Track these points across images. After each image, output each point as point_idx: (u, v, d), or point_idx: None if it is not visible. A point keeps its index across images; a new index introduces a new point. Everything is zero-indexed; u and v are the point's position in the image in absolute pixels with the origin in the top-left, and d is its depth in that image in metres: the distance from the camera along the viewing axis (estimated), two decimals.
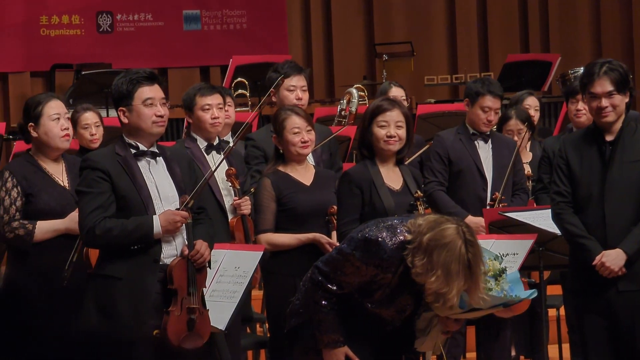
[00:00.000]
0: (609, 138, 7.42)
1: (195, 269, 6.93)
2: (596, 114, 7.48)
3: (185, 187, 7.02)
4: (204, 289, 7.13)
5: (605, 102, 7.33)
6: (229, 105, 9.14)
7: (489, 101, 9.87)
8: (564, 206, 7.52)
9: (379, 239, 6.23)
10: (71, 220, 7.55)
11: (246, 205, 8.71)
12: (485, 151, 9.85)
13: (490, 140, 9.95)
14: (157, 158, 7.05)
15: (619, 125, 7.41)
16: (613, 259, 7.24)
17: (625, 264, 7.27)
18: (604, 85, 7.34)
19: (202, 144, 8.50)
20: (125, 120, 6.95)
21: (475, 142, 9.83)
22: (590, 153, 7.50)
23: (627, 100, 7.42)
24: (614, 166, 7.40)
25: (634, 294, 7.34)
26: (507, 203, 9.59)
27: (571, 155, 7.58)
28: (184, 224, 6.96)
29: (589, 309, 7.53)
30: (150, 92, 6.94)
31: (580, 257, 7.43)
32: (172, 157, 7.16)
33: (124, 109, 6.94)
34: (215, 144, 8.62)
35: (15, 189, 7.54)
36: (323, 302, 6.43)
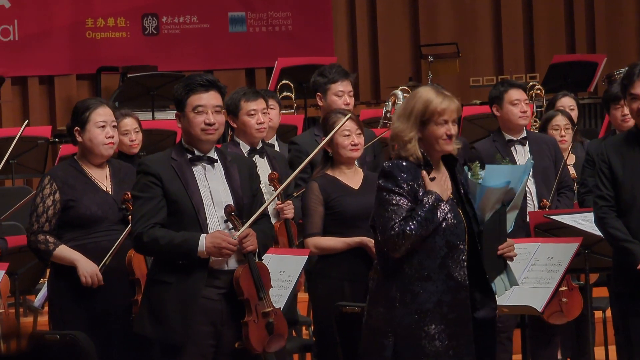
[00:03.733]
0: None
1: (259, 273, 6.95)
2: (637, 116, 7.51)
3: (243, 193, 7.05)
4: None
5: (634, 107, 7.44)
6: (272, 109, 9.23)
7: (515, 93, 9.89)
8: (607, 210, 7.50)
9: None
10: (84, 263, 7.55)
11: (289, 210, 8.77)
12: (523, 156, 9.83)
13: (527, 143, 9.96)
14: (215, 164, 7.09)
15: None
16: None
17: None
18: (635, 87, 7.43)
19: (244, 148, 8.58)
20: (180, 126, 7.06)
21: (512, 147, 9.86)
22: (632, 156, 7.49)
23: None
24: None
25: None
26: (553, 205, 9.54)
27: (613, 159, 7.56)
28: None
29: (634, 312, 7.50)
30: (203, 99, 6.97)
31: (624, 261, 7.42)
32: (233, 163, 7.18)
33: (179, 114, 7.04)
34: (258, 147, 8.70)
35: (51, 197, 7.59)
36: (401, 229, 6.42)
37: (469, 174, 6.70)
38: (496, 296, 6.76)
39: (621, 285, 7.67)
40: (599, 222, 7.58)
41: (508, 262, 6.75)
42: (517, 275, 7.34)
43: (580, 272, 8.80)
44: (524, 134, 9.87)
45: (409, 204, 6.47)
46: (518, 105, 9.73)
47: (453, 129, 6.47)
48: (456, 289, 6.40)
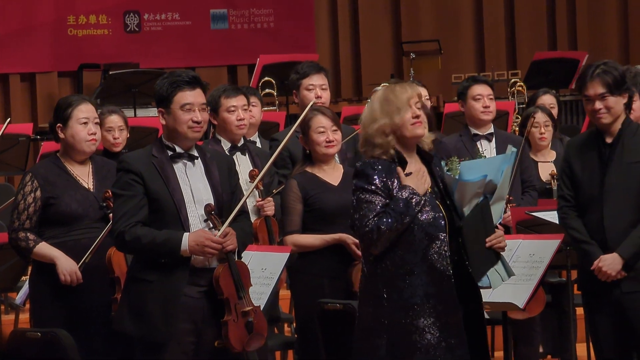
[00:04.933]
0: (609, 140, 7.48)
1: (239, 273, 6.97)
2: (591, 117, 7.59)
3: (223, 190, 7.07)
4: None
5: (598, 104, 7.41)
6: (253, 106, 9.26)
7: (477, 89, 9.94)
8: (567, 210, 7.61)
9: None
10: (64, 261, 7.53)
11: (269, 207, 8.76)
12: (489, 151, 9.89)
13: (494, 140, 9.99)
14: (195, 161, 7.11)
15: (618, 126, 7.45)
16: (609, 263, 7.31)
17: (625, 267, 7.33)
18: (595, 87, 7.39)
19: (226, 145, 8.56)
20: (163, 122, 7.02)
21: (478, 142, 9.87)
22: (590, 156, 7.57)
23: (624, 101, 7.44)
24: (613, 168, 7.44)
25: (638, 295, 7.46)
26: (516, 203, 9.55)
27: (573, 159, 7.65)
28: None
29: (598, 309, 7.60)
30: (189, 97, 6.99)
31: (583, 261, 7.56)
32: (212, 160, 7.21)
33: (162, 110, 7.00)
34: (240, 145, 8.69)
35: (32, 194, 7.59)
36: (376, 225, 6.41)
37: (446, 168, 6.69)
38: (492, 288, 6.80)
39: (585, 283, 7.76)
40: (560, 222, 7.71)
41: (502, 258, 6.75)
42: (502, 274, 7.20)
43: (562, 268, 8.88)
44: (491, 130, 9.92)
45: (383, 199, 6.49)
46: (480, 100, 9.78)
47: (418, 111, 6.49)
48: (440, 281, 6.39)
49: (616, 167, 7.40)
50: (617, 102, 7.34)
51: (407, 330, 6.37)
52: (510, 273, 6.70)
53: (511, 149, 6.96)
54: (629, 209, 7.40)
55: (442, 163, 6.74)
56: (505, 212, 8.38)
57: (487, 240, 6.53)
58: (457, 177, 6.63)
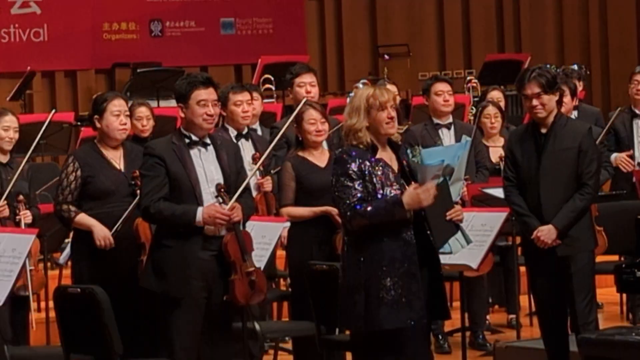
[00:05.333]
0: (544, 130, 7.56)
1: (244, 240, 7.06)
2: (529, 112, 7.68)
3: (230, 172, 7.13)
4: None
5: (535, 102, 7.44)
6: (255, 100, 9.26)
7: (439, 86, 9.99)
8: (511, 189, 7.72)
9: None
10: (99, 229, 7.64)
11: (268, 184, 8.82)
12: (448, 137, 9.96)
13: (452, 128, 10.03)
14: (208, 147, 7.14)
15: (551, 119, 7.52)
16: (546, 233, 7.41)
17: (559, 236, 7.43)
18: (532, 88, 7.44)
19: (232, 133, 8.59)
20: (182, 115, 7.10)
21: (439, 130, 9.94)
22: (529, 144, 7.67)
23: (556, 98, 7.51)
24: (546, 154, 7.53)
25: (567, 257, 7.55)
26: (471, 180, 9.61)
27: (515, 146, 7.77)
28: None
29: (537, 271, 7.75)
30: (204, 94, 7.05)
31: (524, 231, 7.70)
32: (222, 146, 7.25)
33: (182, 105, 7.08)
34: (244, 133, 8.74)
35: (74, 173, 7.67)
36: (360, 209, 6.43)
37: (410, 155, 6.66)
38: (453, 253, 6.78)
39: (526, 249, 7.91)
40: (505, 198, 7.80)
41: (462, 228, 6.78)
42: (461, 240, 7.31)
43: (508, 234, 8.97)
44: (450, 120, 9.98)
45: (360, 183, 6.52)
46: (441, 95, 9.86)
47: (392, 113, 6.52)
48: (405, 247, 6.40)
49: (549, 153, 7.49)
50: (550, 100, 7.43)
51: (377, 287, 6.42)
52: (468, 240, 6.73)
53: (465, 139, 7.07)
54: (561, 188, 7.50)
55: (408, 151, 6.72)
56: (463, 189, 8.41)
57: (447, 214, 6.53)
58: (419, 162, 6.61)
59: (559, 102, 7.63)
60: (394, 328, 6.45)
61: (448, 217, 6.51)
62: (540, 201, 7.52)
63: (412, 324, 6.46)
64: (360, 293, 6.46)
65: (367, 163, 6.50)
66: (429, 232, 6.50)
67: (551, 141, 7.51)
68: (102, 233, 7.52)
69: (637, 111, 10.68)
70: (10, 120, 8.74)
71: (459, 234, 6.65)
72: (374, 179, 6.52)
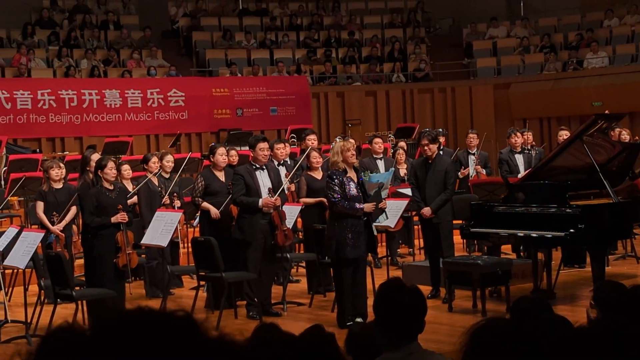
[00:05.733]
0: (430, 161, 8.98)
1: (281, 214, 8.26)
2: (422, 152, 9.09)
3: (274, 182, 8.30)
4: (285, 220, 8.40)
5: (426, 148, 8.90)
6: (286, 147, 9.94)
7: (376, 139, 10.98)
8: (414, 189, 9.18)
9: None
10: (213, 210, 8.70)
11: (293, 187, 9.70)
12: (381, 165, 10.81)
13: (382, 160, 10.81)
14: (264, 170, 8.32)
15: (434, 156, 8.96)
16: (427, 210, 8.87)
17: (433, 213, 8.85)
18: (424, 140, 8.93)
19: (275, 162, 9.30)
20: (252, 155, 8.35)
21: (377, 161, 10.87)
22: (422, 167, 9.07)
23: (437, 145, 9.03)
24: (430, 173, 8.97)
25: (438, 223, 8.92)
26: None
27: (416, 168, 9.19)
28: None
29: (424, 228, 9.25)
30: (262, 145, 8.28)
31: (418, 209, 9.00)
32: (270, 169, 8.38)
33: (252, 150, 8.34)
34: (281, 163, 9.61)
35: (200, 183, 9.00)
36: (336, 201, 7.53)
37: (363, 176, 7.92)
38: (380, 222, 7.96)
39: (419, 217, 9.08)
40: (412, 193, 9.19)
41: (385, 210, 7.88)
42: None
43: (410, 210, 9.99)
44: (381, 156, 11.09)
45: (338, 189, 7.61)
46: (377, 144, 11.08)
47: (353, 152, 7.66)
48: (357, 220, 7.63)
49: (431, 172, 8.93)
50: (433, 146, 8.94)
51: (343, 237, 7.64)
52: (387, 217, 8.03)
53: (391, 170, 8.67)
54: (435, 189, 8.90)
55: (362, 174, 7.97)
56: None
57: (379, 205, 7.73)
58: (368, 180, 7.85)
59: (438, 148, 9.13)
60: (352, 257, 7.71)
61: (380, 206, 7.74)
62: (425, 195, 8.97)
63: (361, 255, 7.75)
64: (333, 239, 7.71)
65: (343, 179, 7.64)
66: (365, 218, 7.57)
67: (432, 166, 8.94)
68: (215, 212, 8.86)
69: (469, 151, 12.00)
70: (170, 158, 10.16)
71: (383, 215, 7.92)
72: (345, 187, 7.66)
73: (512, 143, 11.15)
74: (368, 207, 7.49)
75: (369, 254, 8.37)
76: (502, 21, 22.63)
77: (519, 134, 11.14)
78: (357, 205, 7.45)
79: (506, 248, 10.21)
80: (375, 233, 7.78)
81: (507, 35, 22.07)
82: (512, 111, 19.70)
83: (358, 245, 7.58)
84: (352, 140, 7.82)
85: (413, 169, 9.21)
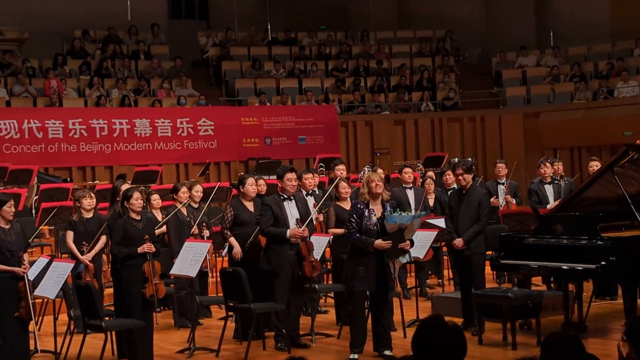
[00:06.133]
0: (464, 192, 8.91)
1: (309, 245, 8.26)
2: (457, 182, 9.02)
3: (302, 212, 8.32)
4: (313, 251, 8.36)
5: (460, 177, 8.80)
6: (314, 176, 9.93)
7: (405, 169, 10.82)
8: (447, 219, 9.07)
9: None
10: (237, 248, 8.72)
11: (321, 217, 9.77)
12: (411, 195, 10.77)
13: (412, 189, 10.72)
14: (292, 200, 8.36)
15: (468, 186, 8.86)
16: (459, 242, 8.78)
17: (466, 243, 8.76)
18: (458, 170, 8.80)
19: (304, 192, 9.40)
20: (280, 185, 8.39)
21: (406, 191, 10.76)
22: (457, 197, 8.99)
23: (471, 175, 8.88)
24: (464, 203, 8.87)
25: (470, 255, 8.83)
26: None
27: (451, 198, 9.15)
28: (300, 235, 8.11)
29: (455, 259, 9.28)
30: (290, 176, 8.37)
31: (450, 240, 8.91)
32: (298, 199, 8.42)
33: (280, 180, 8.38)
34: (309, 193, 9.65)
35: (230, 213, 8.96)
36: (351, 233, 7.53)
37: (387, 213, 7.65)
38: (402, 262, 7.73)
39: (449, 248, 8.97)
40: (446, 224, 9.05)
41: (409, 252, 7.65)
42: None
43: (439, 241, 9.76)
44: (411, 185, 10.94)
45: (357, 220, 7.59)
46: (407, 174, 10.89)
47: (378, 182, 7.58)
48: (370, 253, 7.55)
49: (465, 203, 8.83)
50: (468, 176, 8.80)
51: (355, 269, 7.66)
52: (410, 259, 7.75)
53: (420, 214, 7.94)
54: (469, 220, 8.79)
55: (387, 210, 7.64)
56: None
57: (399, 245, 7.54)
58: (387, 219, 7.60)
59: (473, 178, 8.93)
60: (359, 290, 7.71)
61: (400, 247, 7.57)
62: (458, 226, 8.87)
63: (370, 289, 7.65)
64: (347, 271, 7.78)
65: (364, 210, 7.62)
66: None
67: (466, 197, 8.85)
68: (237, 250, 8.84)
69: (498, 180, 11.93)
70: (199, 188, 10.11)
71: (406, 256, 7.71)
72: (364, 219, 7.60)
73: (541, 173, 11.13)
74: (379, 243, 7.39)
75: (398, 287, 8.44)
76: (532, 50, 22.65)
77: (548, 164, 11.13)
78: (371, 239, 7.41)
79: (537, 279, 10.14)
80: (392, 271, 7.66)
81: (537, 64, 22.07)
82: (542, 140, 19.66)
83: (367, 279, 7.54)
84: (380, 171, 8.35)
85: (450, 199, 9.14)
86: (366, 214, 7.49)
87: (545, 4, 23.45)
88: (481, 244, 8.82)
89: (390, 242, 7.37)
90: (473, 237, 8.65)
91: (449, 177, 10.88)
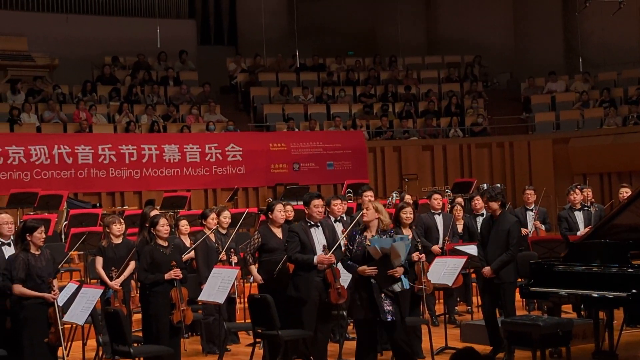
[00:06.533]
0: (495, 218, 8.81)
1: (335, 272, 8.16)
2: (486, 209, 8.94)
3: (329, 238, 8.28)
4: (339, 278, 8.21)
5: (485, 205, 8.89)
6: (343, 203, 9.60)
7: (435, 195, 10.62)
8: (479, 246, 8.98)
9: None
10: (258, 277, 8.80)
11: (330, 259, 8.60)
12: (440, 221, 10.65)
13: (441, 215, 10.59)
14: (318, 227, 8.34)
15: (497, 213, 8.80)
16: (488, 270, 8.71)
17: (494, 272, 8.68)
18: (483, 198, 8.83)
19: (332, 219, 9.23)
20: (307, 212, 8.34)
21: (434, 216, 10.67)
22: (488, 225, 8.90)
23: (499, 203, 8.72)
24: (493, 231, 8.77)
25: (499, 284, 8.74)
26: (449, 241, 10.26)
27: (483, 225, 9.02)
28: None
29: (484, 287, 9.03)
30: (317, 202, 8.14)
31: (480, 267, 8.86)
32: (325, 226, 8.40)
33: (306, 207, 8.32)
34: (338, 219, 9.35)
35: (258, 239, 8.97)
36: (343, 259, 7.47)
37: (369, 239, 7.42)
38: (396, 291, 7.31)
39: (478, 275, 8.87)
40: (477, 251, 8.98)
41: (402, 278, 7.32)
42: (442, 272, 8.85)
43: (468, 267, 9.81)
44: (439, 211, 10.69)
45: (351, 247, 7.41)
46: (436, 200, 10.73)
47: (366, 210, 7.42)
48: (363, 280, 7.38)
49: (495, 231, 8.72)
50: (494, 204, 8.72)
51: (354, 297, 7.49)
52: (406, 285, 7.36)
53: (404, 238, 7.44)
54: (498, 248, 8.70)
55: (375, 237, 7.40)
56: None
57: (388, 272, 7.26)
58: (370, 243, 7.31)
59: (501, 206, 8.74)
60: (358, 318, 7.54)
61: (389, 274, 7.28)
62: (487, 253, 8.80)
63: (368, 317, 7.38)
64: (350, 301, 7.70)
65: (357, 236, 7.43)
66: (373, 280, 7.28)
67: (495, 224, 8.75)
68: (257, 279, 8.94)
69: (527, 207, 11.87)
70: (227, 214, 10.12)
71: (400, 282, 7.33)
72: (354, 246, 7.48)
73: (571, 200, 11.09)
74: (362, 269, 7.22)
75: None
76: (561, 75, 22.60)
77: (578, 190, 11.10)
78: (356, 265, 7.31)
79: (567, 307, 10.07)
80: (383, 299, 7.32)
81: (566, 90, 22.01)
82: (571, 166, 19.59)
83: (363, 306, 7.39)
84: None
85: (482, 228, 9.08)
86: (357, 239, 7.41)
87: (574, 29, 23.41)
88: (511, 273, 8.77)
89: (375, 268, 7.18)
90: (501, 267, 8.59)
91: (478, 202, 10.92)
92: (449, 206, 12.30)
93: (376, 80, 22.79)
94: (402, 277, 7.29)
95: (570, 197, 11.07)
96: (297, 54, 22.72)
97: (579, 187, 11.36)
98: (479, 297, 10.97)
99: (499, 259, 8.50)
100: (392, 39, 24.37)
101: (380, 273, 7.28)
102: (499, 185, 14.81)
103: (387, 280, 7.29)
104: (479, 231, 9.19)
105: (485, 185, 13.37)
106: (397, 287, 7.28)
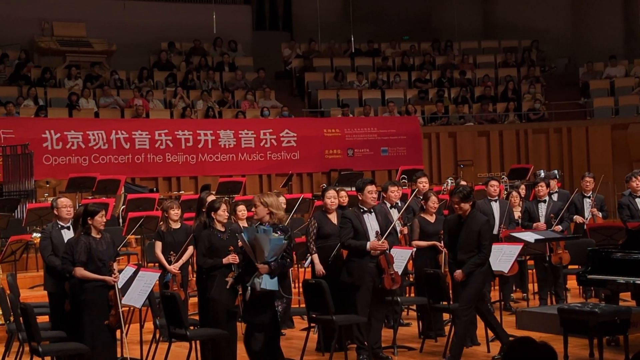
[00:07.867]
0: (463, 218, 8.17)
1: (389, 258, 8.13)
2: (455, 209, 8.21)
3: (382, 224, 8.20)
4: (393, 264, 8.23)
5: (456, 206, 8.10)
6: (397, 189, 9.91)
7: (492, 182, 10.61)
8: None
9: None
10: (319, 266, 8.68)
11: (405, 230, 9.69)
12: (496, 207, 10.65)
13: (497, 201, 10.60)
14: (371, 213, 8.29)
15: (466, 213, 8.13)
16: (459, 274, 8.09)
17: (466, 276, 8.06)
18: (454, 199, 8.11)
19: (387, 204, 9.57)
20: (360, 198, 8.23)
21: (491, 203, 10.66)
22: (456, 225, 8.25)
23: (470, 203, 8.08)
24: (463, 231, 8.16)
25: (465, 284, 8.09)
26: (505, 227, 10.24)
27: (450, 225, 8.34)
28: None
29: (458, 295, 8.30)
30: (370, 188, 8.26)
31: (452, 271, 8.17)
32: (378, 211, 8.35)
33: (360, 193, 8.23)
34: (393, 205, 9.69)
35: (314, 225, 8.92)
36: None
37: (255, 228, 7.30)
38: (257, 287, 7.09)
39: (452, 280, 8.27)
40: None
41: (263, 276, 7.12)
42: (498, 259, 8.47)
43: (522, 255, 9.69)
44: (497, 198, 10.76)
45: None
46: (493, 186, 10.75)
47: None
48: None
49: (464, 232, 8.13)
50: (465, 204, 8.08)
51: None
52: (270, 287, 7.07)
53: (274, 235, 7.20)
54: (469, 250, 8.08)
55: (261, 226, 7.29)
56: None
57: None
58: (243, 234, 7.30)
59: (472, 205, 8.06)
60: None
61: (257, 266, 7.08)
62: (456, 255, 8.08)
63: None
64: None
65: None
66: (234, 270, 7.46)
67: (465, 226, 7.98)
68: (318, 268, 8.77)
69: (585, 194, 11.68)
70: (282, 199, 9.81)
71: (262, 281, 7.07)
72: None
73: (632, 187, 11.00)
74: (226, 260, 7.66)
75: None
76: (620, 60, 22.28)
77: (639, 177, 10.99)
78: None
79: (625, 295, 9.82)
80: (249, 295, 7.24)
81: (626, 75, 21.72)
82: (630, 152, 19.38)
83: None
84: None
85: (449, 226, 8.48)
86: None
87: (634, 12, 23.09)
88: (480, 277, 8.21)
89: (235, 256, 7.49)
90: (474, 269, 8.04)
91: (542, 188, 10.88)
92: (505, 193, 12.29)
93: (431, 65, 22.71)
94: (266, 276, 7.10)
95: (632, 184, 10.97)
96: (352, 39, 22.74)
97: (639, 173, 11.23)
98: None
99: (472, 262, 7.99)
100: (448, 23, 24.24)
101: (244, 265, 7.32)
102: (555, 171, 14.49)
103: (248, 274, 7.25)
104: (537, 216, 9.51)
105: (541, 172, 13.11)
106: (257, 285, 7.10)
